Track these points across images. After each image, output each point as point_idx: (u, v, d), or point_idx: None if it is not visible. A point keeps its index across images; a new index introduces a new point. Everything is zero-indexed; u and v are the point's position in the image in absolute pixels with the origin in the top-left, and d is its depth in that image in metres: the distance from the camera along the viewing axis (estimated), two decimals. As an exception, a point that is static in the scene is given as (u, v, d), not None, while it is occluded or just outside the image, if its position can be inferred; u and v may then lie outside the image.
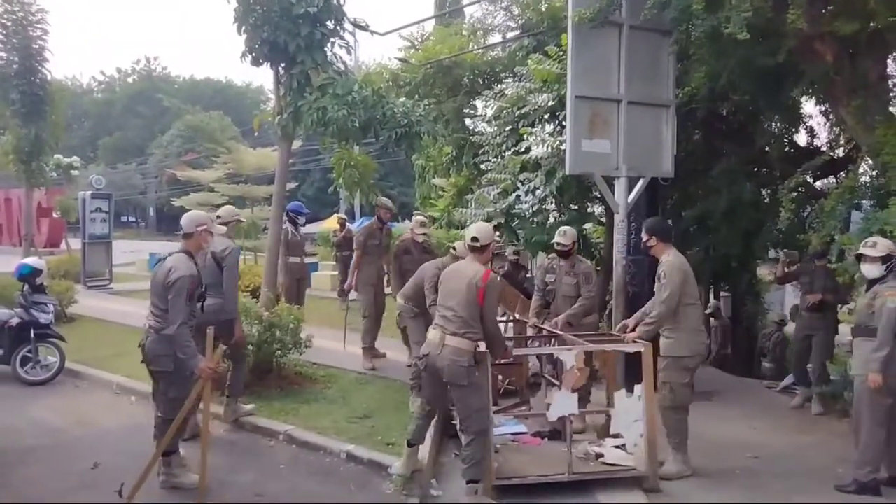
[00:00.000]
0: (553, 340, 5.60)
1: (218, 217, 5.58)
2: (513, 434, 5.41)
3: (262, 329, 6.48)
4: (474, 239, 4.40)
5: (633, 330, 4.94)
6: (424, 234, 7.47)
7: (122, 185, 39.22)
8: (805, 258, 6.91)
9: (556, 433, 5.19)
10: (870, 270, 4.45)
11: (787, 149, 7.90)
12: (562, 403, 4.52)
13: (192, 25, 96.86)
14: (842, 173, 7.33)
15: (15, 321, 7.18)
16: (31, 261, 7.93)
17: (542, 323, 6.00)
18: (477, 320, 4.20)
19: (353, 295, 9.37)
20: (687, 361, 4.79)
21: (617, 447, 4.84)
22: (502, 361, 5.55)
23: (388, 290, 7.97)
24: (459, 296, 4.23)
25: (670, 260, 4.81)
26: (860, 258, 4.52)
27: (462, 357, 4.15)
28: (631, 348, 4.74)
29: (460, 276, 4.32)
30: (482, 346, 4.25)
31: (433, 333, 4.34)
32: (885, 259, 4.40)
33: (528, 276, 9.77)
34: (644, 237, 5.02)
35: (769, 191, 8.23)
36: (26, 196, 13.51)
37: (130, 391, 6.73)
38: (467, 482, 4.22)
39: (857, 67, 5.73)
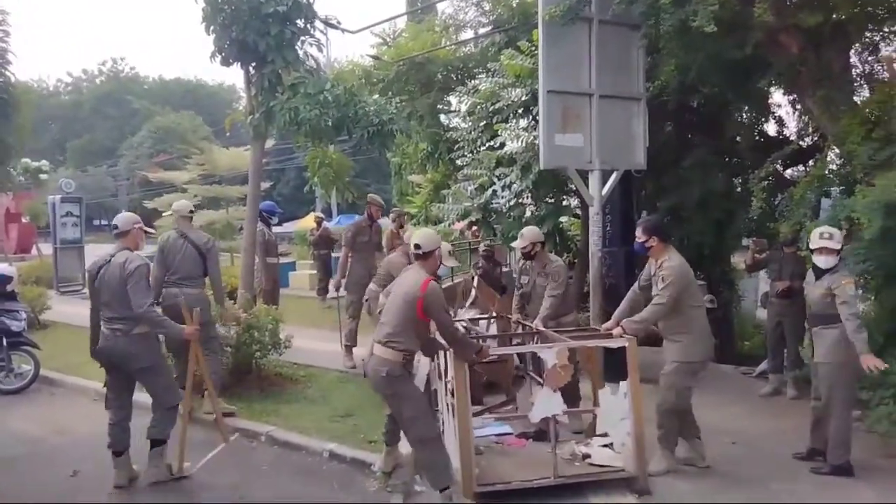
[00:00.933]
0: (535, 337, 5.44)
1: (188, 211, 5.95)
2: (497, 435, 5.25)
3: (240, 331, 6.45)
4: (416, 246, 4.19)
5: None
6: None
7: (93, 188, 38.55)
8: (774, 246, 7.04)
9: (542, 433, 4.99)
10: (826, 261, 4.54)
11: (756, 139, 8.04)
12: (545, 403, 4.36)
13: (161, 25, 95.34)
14: (811, 162, 7.49)
15: (-14, 330, 7.05)
16: (1, 268, 7.79)
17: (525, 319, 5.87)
18: (408, 330, 4.04)
19: (332, 293, 9.34)
20: (697, 366, 4.69)
21: (604, 446, 4.69)
22: (485, 360, 5.18)
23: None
24: (395, 306, 4.10)
25: (673, 264, 4.61)
26: (815, 250, 4.61)
27: (382, 367, 4.02)
28: (615, 343, 4.54)
29: (401, 286, 4.18)
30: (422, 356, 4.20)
31: (372, 341, 4.25)
32: (839, 251, 4.53)
33: (504, 270, 9.80)
34: (641, 237, 4.81)
35: (740, 180, 8.37)
36: (-6, 202, 13.25)
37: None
38: (439, 491, 4.08)
39: (821, 59, 5.85)
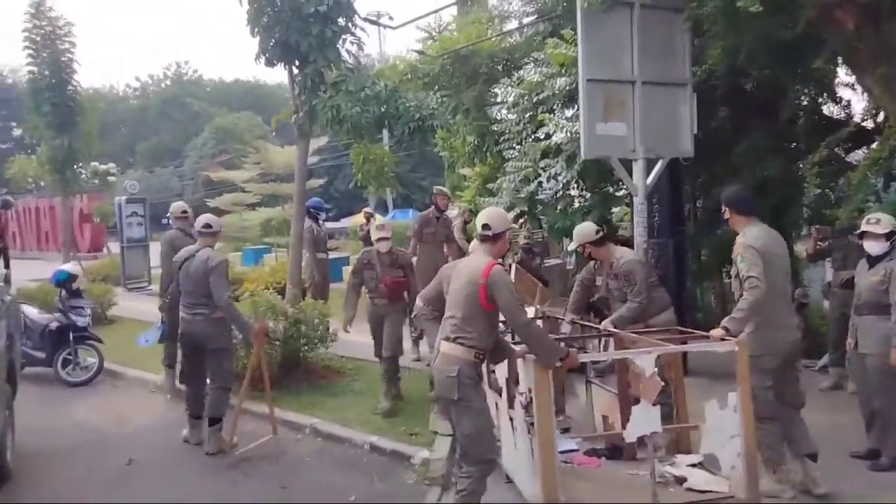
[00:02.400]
0: (604, 341, 4.93)
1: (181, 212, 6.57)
2: (562, 453, 4.27)
3: (288, 325, 6.61)
4: (485, 227, 3.70)
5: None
6: (384, 237, 6.16)
7: (160, 188, 40.09)
8: (836, 233, 6.72)
9: (616, 451, 4.45)
10: (873, 247, 4.36)
11: (815, 121, 7.66)
12: (642, 419, 3.68)
13: (221, 27, 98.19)
14: (874, 144, 7.10)
15: (54, 325, 7.47)
16: (67, 266, 8.22)
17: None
18: (476, 323, 3.52)
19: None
20: (765, 361, 3.99)
21: (693, 466, 4.12)
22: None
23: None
24: (458, 295, 3.60)
25: (745, 239, 4.03)
26: (862, 235, 4.40)
27: (451, 366, 3.49)
28: (722, 347, 3.89)
29: (461, 273, 3.69)
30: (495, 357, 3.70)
31: (438, 339, 3.76)
32: (888, 235, 4.31)
33: (542, 263, 9.62)
34: (723, 209, 4.37)
35: (799, 166, 8.02)
36: (63, 204, 13.95)
37: (165, 388, 6.94)
38: None
39: (880, 34, 5.51)
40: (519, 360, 3.83)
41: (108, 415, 6.32)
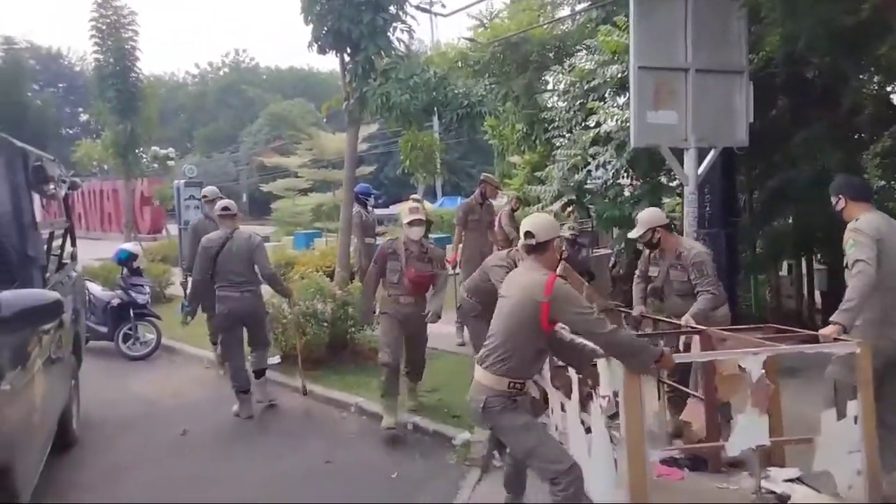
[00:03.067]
0: (681, 339, 4.44)
1: (227, 210, 5.89)
2: None
3: (336, 307, 6.78)
4: (528, 234, 3.28)
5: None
6: (417, 221, 5.41)
7: (217, 173, 41.19)
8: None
9: (698, 461, 4.07)
10: None
11: (880, 111, 7.37)
12: (748, 430, 3.31)
13: (278, 16, 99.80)
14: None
15: (116, 301, 7.83)
16: (129, 246, 8.60)
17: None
18: (522, 347, 3.14)
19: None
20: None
21: (791, 481, 3.73)
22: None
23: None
24: (509, 311, 3.20)
25: (858, 225, 3.72)
26: None
27: (479, 396, 3.18)
28: (841, 349, 3.50)
29: (514, 286, 3.28)
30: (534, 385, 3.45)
31: None
32: None
33: (591, 253, 9.48)
34: (833, 199, 4.04)
35: (863, 156, 7.74)
36: (125, 186, 14.51)
37: (219, 366, 7.21)
38: None
39: (951, 19, 5.28)
40: (600, 361, 3.40)
41: (164, 388, 6.61)
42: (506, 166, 15.01)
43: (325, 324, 6.70)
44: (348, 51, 6.71)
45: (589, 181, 8.27)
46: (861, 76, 7.11)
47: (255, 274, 5.67)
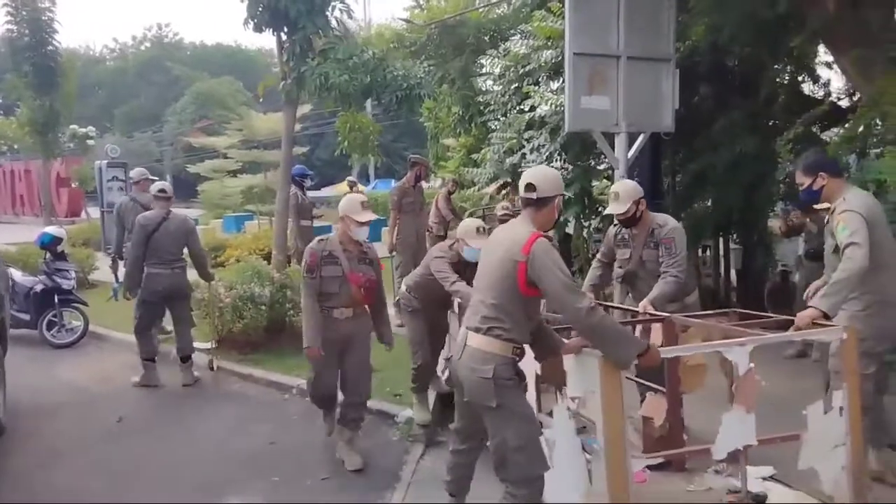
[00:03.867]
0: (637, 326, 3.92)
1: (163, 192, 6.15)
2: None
3: (274, 290, 6.72)
4: (529, 187, 2.92)
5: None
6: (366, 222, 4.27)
7: (139, 153, 39.46)
8: (808, 209, 6.95)
9: (663, 462, 3.59)
10: None
11: (793, 99, 7.84)
12: (736, 429, 3.00)
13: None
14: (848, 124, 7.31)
15: (39, 287, 7.49)
16: (52, 229, 8.22)
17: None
18: (513, 311, 2.82)
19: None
20: (870, 344, 3.46)
21: (767, 480, 3.54)
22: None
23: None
24: (491, 274, 2.89)
25: (846, 204, 3.47)
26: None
27: (485, 365, 2.80)
28: (828, 336, 3.28)
29: (496, 245, 2.96)
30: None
31: (461, 330, 3.05)
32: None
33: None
34: (803, 179, 3.67)
35: (776, 142, 8.23)
36: (44, 167, 13.78)
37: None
38: None
39: (859, 17, 5.67)
40: (567, 357, 3.01)
41: (95, 375, 6.41)
42: (439, 149, 15.10)
43: (264, 307, 6.64)
44: (285, 29, 6.60)
45: (523, 164, 8.44)
46: (776, 66, 7.56)
47: (183, 254, 6.09)
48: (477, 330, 2.88)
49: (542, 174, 3.00)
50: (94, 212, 17.73)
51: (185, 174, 29.94)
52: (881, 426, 3.69)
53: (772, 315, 3.83)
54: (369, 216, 4.22)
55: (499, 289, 2.85)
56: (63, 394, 5.86)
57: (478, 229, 4.27)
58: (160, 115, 44.12)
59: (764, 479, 3.55)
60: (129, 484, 4.10)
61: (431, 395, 5.08)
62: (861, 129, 5.79)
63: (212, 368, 6.42)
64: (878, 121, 5.48)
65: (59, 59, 12.16)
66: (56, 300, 7.50)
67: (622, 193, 4.25)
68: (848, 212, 3.44)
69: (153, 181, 7.22)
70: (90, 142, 19.43)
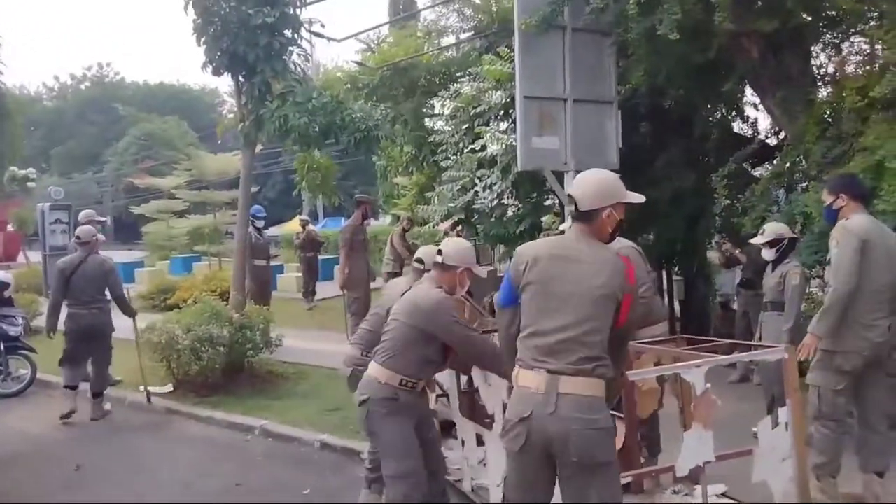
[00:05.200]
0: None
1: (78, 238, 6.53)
2: None
3: (232, 330, 6.71)
4: (570, 198, 2.69)
5: None
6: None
7: (78, 194, 38.30)
8: (744, 241, 7.40)
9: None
10: (765, 254, 4.92)
11: (724, 138, 8.38)
12: (696, 447, 3.11)
13: (146, 30, 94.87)
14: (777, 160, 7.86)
15: (-16, 335, 7.25)
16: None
17: None
18: (607, 339, 2.51)
19: (319, 295, 9.61)
20: (839, 360, 3.66)
21: (720, 497, 3.69)
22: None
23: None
24: (583, 300, 2.49)
25: (842, 222, 3.66)
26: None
27: (597, 413, 2.43)
28: (770, 356, 3.55)
29: (573, 264, 2.54)
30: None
31: (531, 377, 2.49)
32: (772, 243, 4.84)
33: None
34: (827, 199, 3.77)
35: (712, 178, 8.73)
36: (-18, 210, 13.36)
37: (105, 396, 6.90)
38: None
39: (780, 62, 6.19)
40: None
41: (46, 423, 6.22)
42: (388, 187, 15.34)
43: (223, 348, 6.62)
44: (244, 73, 6.73)
45: (476, 201, 8.71)
46: (710, 107, 8.09)
47: (104, 295, 6.33)
48: (577, 372, 2.43)
49: (581, 182, 2.65)
50: (33, 255, 17.16)
51: (128, 215, 29.31)
52: (873, 451, 3.77)
53: (711, 339, 4.00)
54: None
55: (601, 320, 2.49)
56: (16, 444, 5.69)
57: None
58: (100, 155, 43.09)
59: (717, 496, 3.69)
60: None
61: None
62: (787, 165, 6.28)
63: (148, 400, 6.64)
64: (801, 158, 5.94)
65: (3, 100, 11.92)
66: (2, 347, 7.27)
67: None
68: (843, 228, 3.64)
69: (102, 223, 7.28)
70: (31, 184, 18.91)
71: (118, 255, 24.60)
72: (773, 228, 4.94)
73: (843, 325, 3.64)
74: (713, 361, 3.33)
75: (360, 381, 3.41)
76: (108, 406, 6.52)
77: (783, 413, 3.30)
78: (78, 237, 6.44)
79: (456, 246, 3.47)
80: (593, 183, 2.63)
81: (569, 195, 2.71)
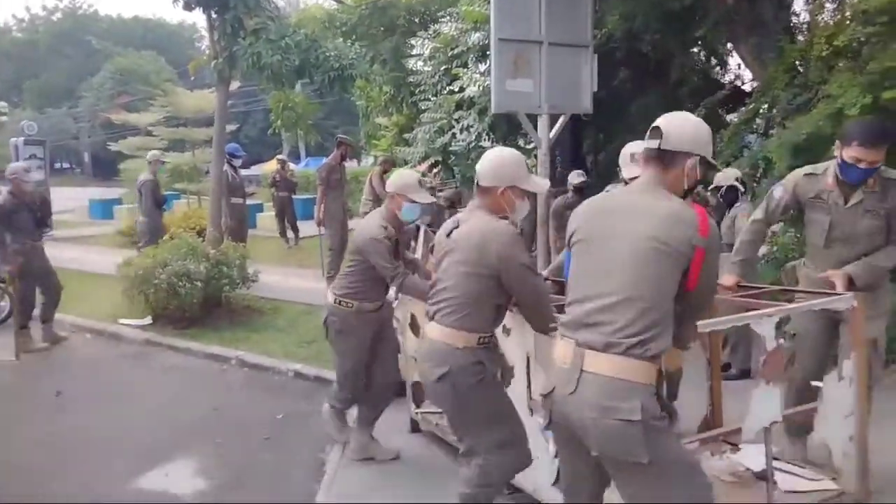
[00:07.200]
0: None
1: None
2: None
3: (209, 266, 6.83)
4: (654, 132, 2.19)
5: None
6: None
7: (53, 130, 37.63)
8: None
9: None
10: (710, 199, 5.27)
11: (700, 83, 8.46)
12: (764, 405, 2.84)
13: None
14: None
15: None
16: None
17: None
18: (669, 313, 2.04)
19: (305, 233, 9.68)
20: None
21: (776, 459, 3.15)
22: None
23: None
24: (634, 259, 2.04)
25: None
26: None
27: (627, 402, 1.95)
28: (839, 304, 3.06)
29: (620, 218, 2.13)
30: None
31: (560, 347, 2.13)
32: (729, 188, 5.08)
33: (458, 210, 10.15)
34: (874, 155, 3.06)
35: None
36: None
37: (85, 329, 7.08)
38: None
39: (754, 8, 6.26)
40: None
41: (29, 353, 6.37)
42: (371, 127, 15.26)
43: (199, 283, 6.74)
44: (216, 8, 6.64)
45: (453, 143, 8.78)
46: (686, 52, 8.14)
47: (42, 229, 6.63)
48: (608, 347, 1.99)
49: (677, 118, 2.23)
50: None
51: (105, 152, 28.86)
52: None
53: (763, 286, 3.60)
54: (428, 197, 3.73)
55: (657, 282, 2.01)
56: (-3, 372, 5.85)
57: (420, 181, 3.70)
58: (75, 90, 42.04)
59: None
60: (74, 455, 4.21)
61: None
62: (760, 111, 6.41)
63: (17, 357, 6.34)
64: (769, 104, 6.08)
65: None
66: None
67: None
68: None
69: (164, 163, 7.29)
70: (2, 118, 18.51)
71: (96, 192, 24.48)
72: (730, 174, 5.13)
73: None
74: (786, 309, 3.02)
75: (429, 352, 2.69)
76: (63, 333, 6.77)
77: (847, 367, 3.04)
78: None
79: (494, 159, 2.74)
80: (690, 123, 2.22)
81: (654, 126, 2.20)
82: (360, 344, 3.83)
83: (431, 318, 2.71)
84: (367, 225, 3.67)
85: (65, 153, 47.83)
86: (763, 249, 5.50)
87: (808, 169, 3.44)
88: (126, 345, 6.64)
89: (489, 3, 7.59)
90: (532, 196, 2.95)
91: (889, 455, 3.30)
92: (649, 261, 2.01)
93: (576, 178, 7.02)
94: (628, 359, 1.96)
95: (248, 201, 10.72)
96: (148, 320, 7.01)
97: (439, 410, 2.81)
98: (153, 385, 5.54)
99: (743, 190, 5.18)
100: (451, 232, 2.72)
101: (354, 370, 3.88)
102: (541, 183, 2.79)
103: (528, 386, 3.00)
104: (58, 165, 47.58)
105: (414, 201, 3.59)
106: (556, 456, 2.61)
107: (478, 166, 2.72)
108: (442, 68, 8.71)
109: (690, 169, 2.15)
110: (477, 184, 2.70)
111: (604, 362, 1.98)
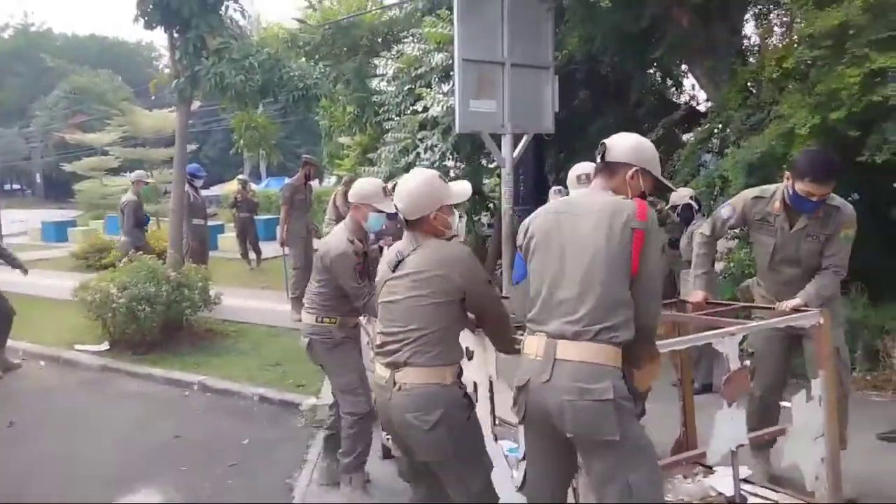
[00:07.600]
0: None
1: None
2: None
3: (170, 289, 6.69)
4: (601, 146, 2.39)
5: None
6: None
7: (4, 150, 36.62)
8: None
9: None
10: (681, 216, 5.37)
11: (657, 104, 8.69)
12: (727, 428, 2.74)
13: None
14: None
15: None
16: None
17: None
18: (625, 301, 2.16)
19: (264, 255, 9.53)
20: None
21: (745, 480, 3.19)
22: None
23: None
24: (586, 253, 2.19)
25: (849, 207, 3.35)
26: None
27: (597, 382, 2.10)
28: (805, 321, 3.02)
29: (576, 216, 2.28)
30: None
31: (532, 342, 2.28)
32: (685, 206, 5.27)
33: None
34: (823, 190, 3.19)
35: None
36: None
37: (39, 355, 6.85)
38: None
39: (708, 32, 6.46)
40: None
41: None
42: (333, 147, 15.21)
43: (160, 306, 6.59)
44: (177, 28, 6.58)
45: (417, 163, 8.80)
46: (649, 72, 8.36)
47: None
48: (578, 335, 2.14)
49: (621, 135, 2.40)
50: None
51: (59, 173, 28.12)
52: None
53: (728, 303, 3.67)
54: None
55: (610, 272, 2.14)
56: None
57: (384, 189, 3.57)
58: (27, 109, 40.91)
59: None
60: (29, 488, 4.05)
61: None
62: (715, 131, 6.60)
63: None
64: (723, 124, 6.26)
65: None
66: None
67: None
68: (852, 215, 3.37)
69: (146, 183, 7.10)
70: (-50, 138, 17.90)
71: (49, 214, 23.81)
72: (683, 192, 5.29)
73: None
74: (749, 328, 3.00)
75: (410, 400, 2.43)
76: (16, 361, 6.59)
77: (815, 385, 2.95)
78: None
79: (412, 193, 2.58)
80: (631, 138, 2.39)
81: (602, 141, 2.38)
82: (355, 348, 3.75)
83: (401, 365, 2.45)
84: (332, 241, 3.56)
85: (15, 174, 46.40)
86: (719, 266, 5.65)
87: (756, 191, 3.59)
88: (82, 371, 6.43)
89: (452, 24, 7.71)
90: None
91: (858, 464, 3.40)
92: (598, 250, 2.17)
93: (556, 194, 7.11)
94: (598, 344, 2.13)
95: (210, 222, 10.56)
96: (105, 346, 6.82)
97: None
98: (112, 413, 5.37)
99: (698, 207, 5.32)
100: (396, 266, 2.56)
101: (361, 377, 3.67)
102: (463, 188, 2.72)
103: (492, 411, 2.86)
104: (7, 187, 46.20)
105: (380, 210, 3.49)
106: (519, 488, 2.57)
107: (398, 205, 2.56)
108: (405, 88, 8.75)
109: (632, 178, 2.31)
110: (406, 221, 2.56)
111: (575, 349, 2.14)
